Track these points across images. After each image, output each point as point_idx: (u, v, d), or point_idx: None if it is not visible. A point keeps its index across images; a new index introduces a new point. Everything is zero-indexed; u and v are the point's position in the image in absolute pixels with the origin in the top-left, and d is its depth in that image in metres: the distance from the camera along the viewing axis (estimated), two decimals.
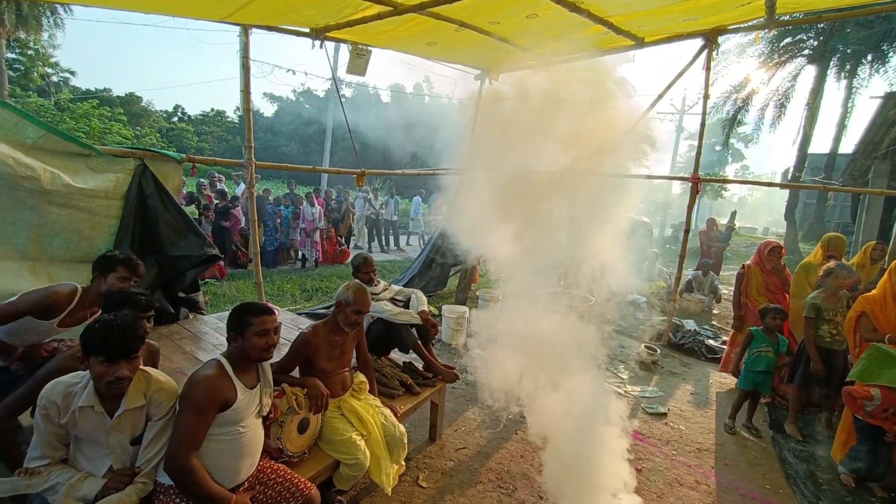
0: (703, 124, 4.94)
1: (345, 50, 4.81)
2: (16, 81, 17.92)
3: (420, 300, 3.31)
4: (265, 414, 1.95)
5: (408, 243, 13.12)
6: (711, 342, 5.60)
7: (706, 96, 4.90)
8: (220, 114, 32.26)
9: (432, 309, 4.60)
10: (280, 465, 2.02)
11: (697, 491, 2.92)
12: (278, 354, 2.24)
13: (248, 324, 1.81)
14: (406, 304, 3.33)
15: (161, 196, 3.67)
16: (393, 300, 3.31)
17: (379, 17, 3.59)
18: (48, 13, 14.75)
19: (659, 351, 5.08)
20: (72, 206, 3.24)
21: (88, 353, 1.52)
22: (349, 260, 9.54)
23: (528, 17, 3.82)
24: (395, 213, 11.83)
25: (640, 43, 4.62)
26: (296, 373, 2.39)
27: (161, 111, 29.47)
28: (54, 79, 21.24)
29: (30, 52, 18.69)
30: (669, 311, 5.67)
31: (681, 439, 3.54)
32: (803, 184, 12.21)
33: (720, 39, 4.68)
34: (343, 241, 10.05)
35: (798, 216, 16.16)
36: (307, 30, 4.20)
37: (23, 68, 18.76)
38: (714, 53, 4.71)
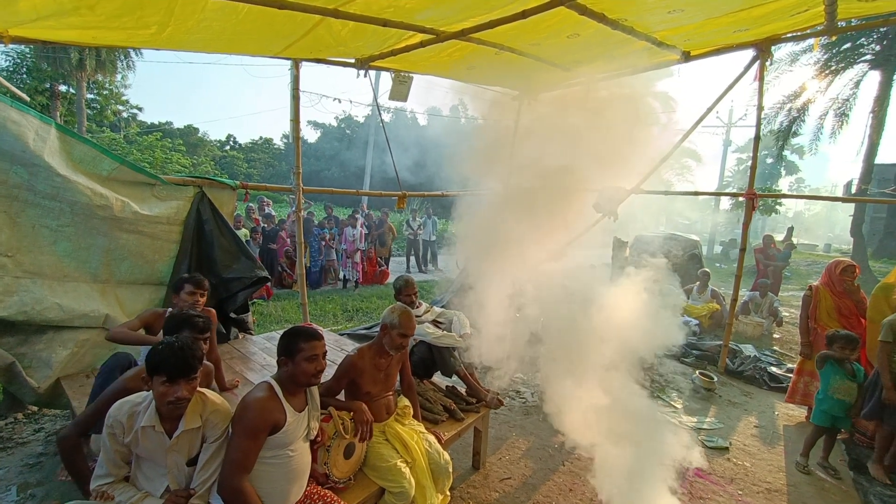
0: (757, 137, 4.69)
1: (386, 77, 5.00)
2: (92, 119, 19.82)
3: (463, 323, 3.27)
4: (312, 437, 1.96)
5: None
6: (775, 369, 5.18)
7: (759, 108, 4.66)
8: (268, 141, 34.23)
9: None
10: (326, 490, 2.01)
11: None
12: (324, 376, 2.27)
13: (299, 349, 1.84)
14: (448, 328, 3.30)
15: (217, 221, 3.88)
16: (435, 322, 3.29)
17: (422, 45, 3.70)
18: (122, 57, 16.33)
19: (716, 378, 4.74)
20: (138, 232, 3.48)
21: (152, 373, 1.60)
22: (389, 281, 9.66)
23: (569, 37, 3.81)
24: (434, 233, 11.92)
25: (686, 57, 4.49)
26: (341, 396, 2.41)
27: (215, 141, 31.67)
28: (124, 115, 23.38)
29: (105, 91, 20.70)
30: (726, 336, 5.30)
31: (747, 477, 3.24)
32: (872, 197, 11.25)
33: (773, 49, 4.47)
34: (383, 262, 10.22)
35: (866, 231, 14.90)
36: (353, 60, 4.39)
37: (98, 107, 20.77)
38: (767, 64, 4.50)
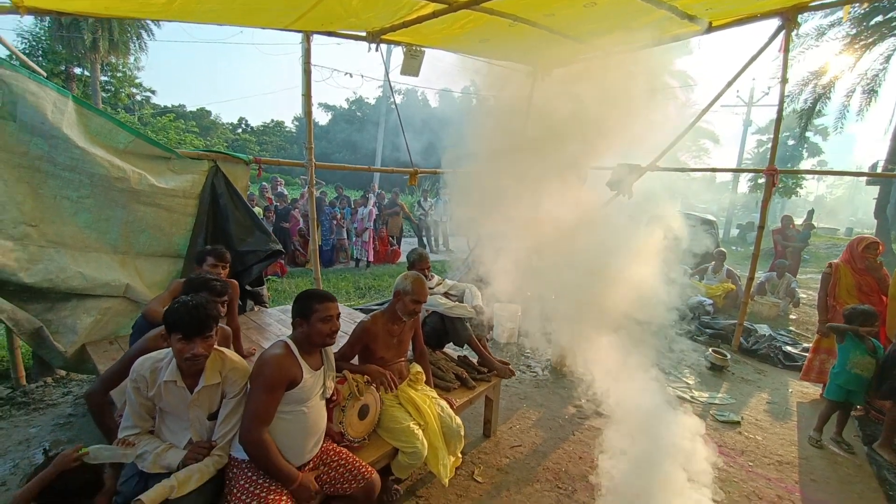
0: (780, 111, 4.54)
1: (397, 56, 4.94)
2: (107, 101, 20.01)
3: (475, 294, 3.29)
4: (329, 396, 2.01)
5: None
6: (790, 349, 5.12)
7: (784, 80, 4.50)
8: (279, 124, 34.26)
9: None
10: (342, 448, 2.07)
11: None
12: (337, 347, 2.31)
13: (313, 310, 1.87)
14: (460, 299, 3.32)
15: (231, 195, 3.92)
16: (447, 294, 3.31)
17: (434, 15, 3.63)
18: (134, 38, 16.39)
19: (729, 356, 4.71)
20: (155, 205, 3.54)
21: (169, 331, 1.65)
22: (400, 260, 9.72)
23: (585, 6, 3.70)
24: (445, 214, 11.90)
25: (708, 28, 4.33)
26: (355, 362, 2.45)
27: (227, 123, 31.79)
28: (138, 97, 23.54)
29: (119, 74, 20.83)
30: (740, 315, 5.24)
31: (758, 450, 3.24)
32: None
33: (800, 19, 4.29)
34: (394, 241, 10.26)
35: (890, 213, 14.43)
36: (363, 33, 4.34)
37: (112, 89, 20.93)
38: (793, 34, 4.33)
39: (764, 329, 5.61)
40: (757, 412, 3.83)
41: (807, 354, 4.51)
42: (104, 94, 19.36)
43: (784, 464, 3.10)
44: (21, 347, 3.56)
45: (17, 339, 3.45)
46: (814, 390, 4.28)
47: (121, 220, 3.41)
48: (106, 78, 20.00)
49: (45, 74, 3.23)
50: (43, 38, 16.87)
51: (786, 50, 4.34)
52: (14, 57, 3.82)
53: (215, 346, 1.79)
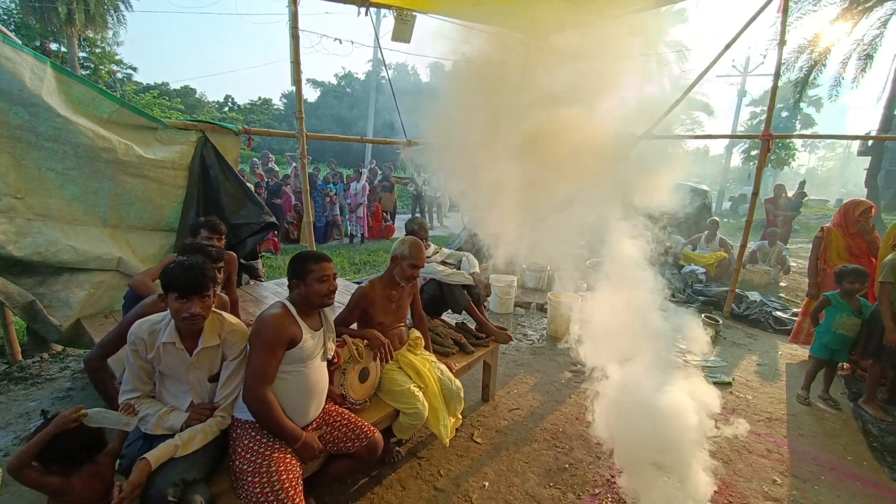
0: (776, 74, 4.48)
1: (387, 27, 4.76)
2: (86, 79, 19.34)
3: (472, 262, 3.29)
4: (329, 357, 2.02)
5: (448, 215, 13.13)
6: (780, 314, 5.22)
7: (782, 42, 4.43)
8: (267, 102, 33.38)
9: None
10: (345, 409, 2.09)
11: (769, 459, 2.75)
12: (335, 313, 2.30)
13: (309, 270, 1.86)
14: (457, 267, 3.32)
15: (222, 167, 3.84)
16: (444, 263, 3.31)
17: None
18: (112, 11, 15.70)
19: (721, 321, 4.79)
20: (143, 177, 3.46)
21: (166, 290, 1.63)
22: (395, 236, 9.67)
23: None
24: (439, 188, 11.80)
25: None
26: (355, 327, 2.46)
27: (214, 102, 30.92)
28: (119, 75, 22.70)
29: (97, 50, 20.03)
30: (732, 282, 5.31)
31: (748, 408, 3.34)
32: (891, 136, 10.83)
33: None
34: (388, 217, 10.19)
35: (880, 183, 14.56)
36: None
37: (92, 66, 20.16)
38: None
39: (755, 296, 5.71)
40: (748, 373, 3.92)
41: (796, 319, 4.61)
42: (83, 72, 18.65)
43: (773, 420, 3.20)
44: (14, 323, 3.52)
45: (10, 314, 3.41)
46: (802, 352, 4.38)
47: (109, 193, 3.33)
48: (84, 55, 19.24)
49: (18, 41, 3.09)
50: (14, 12, 16.11)
51: (784, 10, 4.27)
52: None
53: (214, 309, 1.78)
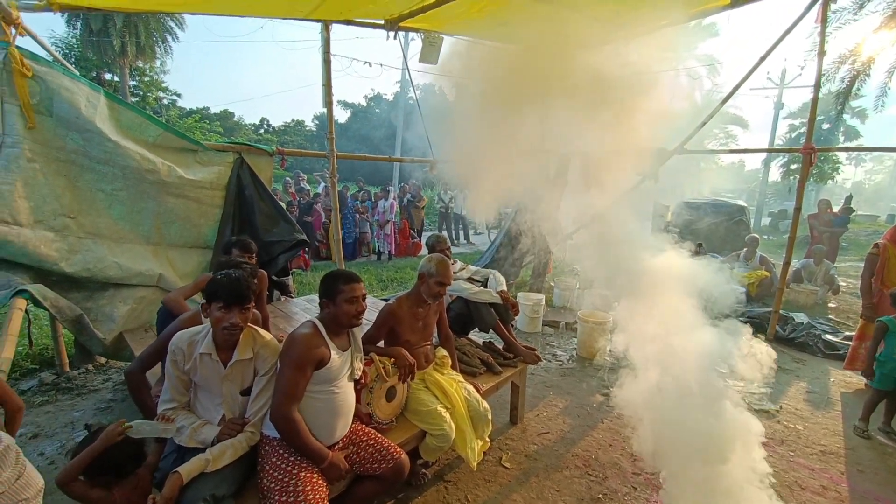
0: (817, 86, 4.30)
1: (415, 49, 4.91)
2: (136, 105, 20.71)
3: (498, 280, 3.25)
4: (357, 377, 2.01)
5: (481, 232, 13.15)
6: (830, 337, 4.88)
7: (821, 53, 4.26)
8: (300, 123, 34.76)
9: None
10: (371, 429, 2.07)
11: (825, 497, 2.53)
12: (362, 332, 2.31)
13: (339, 291, 1.87)
14: (484, 285, 3.28)
15: (256, 186, 3.98)
16: (471, 280, 3.28)
17: None
18: (160, 42, 16.85)
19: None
20: (184, 196, 3.62)
21: (210, 300, 1.69)
22: (422, 253, 9.73)
23: None
24: (464, 206, 11.84)
25: (735, 1, 4.14)
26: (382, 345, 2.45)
27: (250, 124, 32.46)
28: (165, 101, 24.23)
29: (146, 78, 21.50)
30: (776, 302, 5.03)
31: (799, 440, 3.11)
32: None
33: None
34: (416, 234, 10.28)
35: None
36: (382, 21, 4.32)
37: (141, 93, 21.62)
38: (831, 4, 4.10)
39: (801, 317, 5.38)
40: (796, 401, 3.67)
41: (850, 343, 4.30)
42: (133, 99, 19.99)
43: (828, 454, 2.96)
44: (63, 336, 3.71)
45: (60, 327, 3.60)
46: (858, 380, 4.07)
47: (152, 212, 3.50)
48: (134, 83, 20.67)
49: (76, 72, 3.34)
50: (75, 45, 17.52)
51: (823, 20, 4.12)
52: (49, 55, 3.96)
53: (249, 324, 1.82)
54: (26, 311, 2.66)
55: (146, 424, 1.62)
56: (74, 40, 17.34)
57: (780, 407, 3.54)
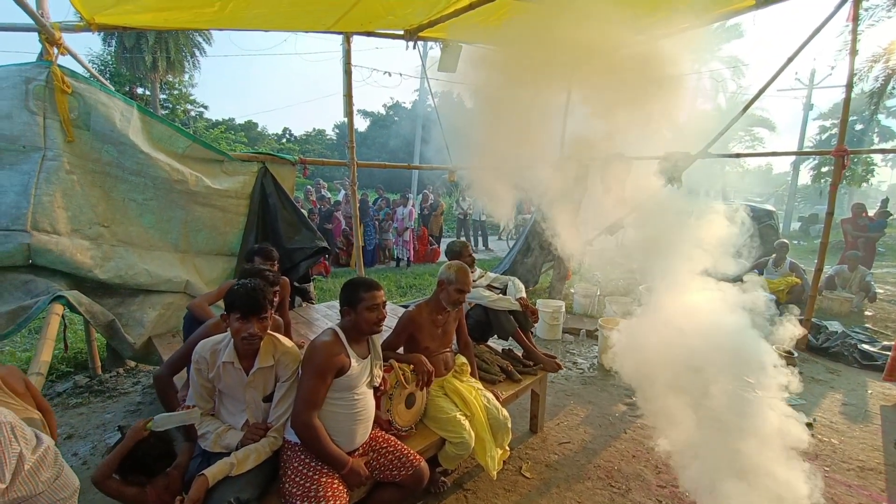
0: (849, 85, 4.15)
1: (433, 59, 4.97)
2: (165, 117, 21.51)
3: (518, 287, 3.23)
4: (376, 385, 2.03)
5: (503, 238, 13.14)
6: (867, 347, 4.66)
7: (853, 52, 4.12)
8: (321, 132, 35.49)
9: None
10: (391, 436, 2.08)
11: None
12: (382, 338, 2.32)
13: (360, 299, 1.89)
14: (503, 292, 3.27)
15: (279, 195, 4.08)
16: (490, 287, 3.27)
17: (471, 7, 3.62)
18: (189, 57, 17.53)
19: (796, 354, 4.35)
20: (211, 205, 3.74)
21: (228, 310, 1.73)
22: (441, 259, 9.75)
23: None
24: (483, 213, 11.83)
25: (761, 2, 4.04)
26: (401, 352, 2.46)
27: (273, 134, 33.33)
28: (192, 113, 25.14)
29: (175, 92, 22.37)
30: (808, 310, 4.83)
31: (835, 454, 2.97)
32: None
33: None
34: (434, 241, 10.32)
35: None
36: (401, 32, 4.39)
37: (170, 106, 22.50)
38: (863, 0, 3.97)
39: (835, 326, 5.15)
40: (831, 414, 3.51)
41: (888, 353, 4.09)
42: (163, 111, 20.83)
43: (867, 470, 2.81)
44: (97, 340, 3.86)
45: (94, 332, 3.75)
46: None
47: (181, 221, 3.62)
48: (164, 96, 21.51)
49: (111, 87, 3.50)
50: (110, 62, 18.38)
51: (855, 18, 3.99)
52: (87, 72, 4.17)
53: (269, 332, 1.86)
54: (62, 317, 2.78)
55: (170, 416, 1.68)
56: (109, 57, 18.18)
57: (815, 419, 3.39)
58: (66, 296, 2.80)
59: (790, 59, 4.52)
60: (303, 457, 1.78)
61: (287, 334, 2.90)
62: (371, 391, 2.01)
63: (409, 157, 21.24)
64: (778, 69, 4.61)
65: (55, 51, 2.95)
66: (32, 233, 2.79)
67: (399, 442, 2.06)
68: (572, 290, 6.28)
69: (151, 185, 3.41)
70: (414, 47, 4.54)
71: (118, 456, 1.55)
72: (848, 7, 3.94)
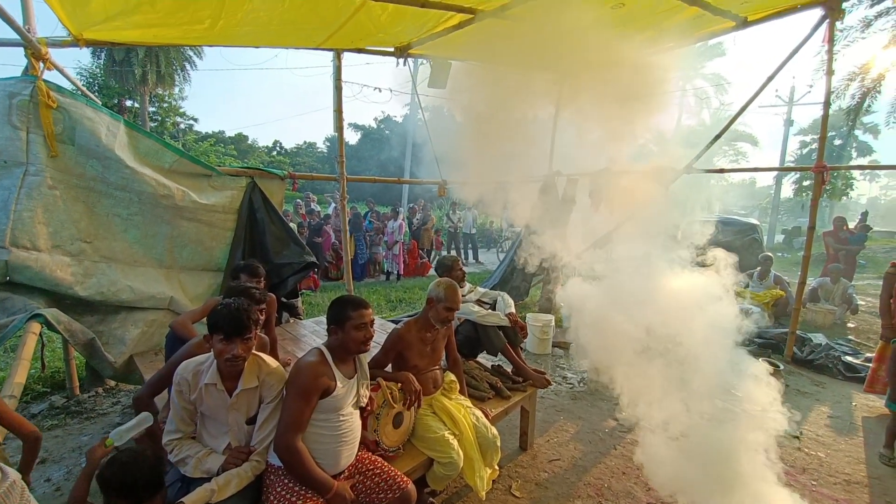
0: (826, 104, 4.29)
1: (423, 75, 5.03)
2: (154, 130, 21.35)
3: (507, 303, 3.23)
4: (363, 405, 2.00)
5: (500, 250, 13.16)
6: (850, 359, 4.73)
7: (829, 72, 4.27)
8: (311, 145, 35.51)
9: None
10: (377, 458, 2.04)
11: None
12: (370, 356, 2.30)
13: (348, 317, 1.87)
14: (492, 307, 3.27)
15: (268, 209, 4.05)
16: (479, 302, 3.27)
17: (460, 26, 3.68)
18: (179, 70, 17.52)
19: (782, 367, 4.39)
20: (197, 220, 3.70)
21: (212, 331, 1.69)
22: (431, 273, 9.74)
23: (613, 8, 3.66)
24: (473, 226, 11.88)
25: (742, 23, 4.18)
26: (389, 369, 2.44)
27: (263, 147, 33.24)
28: (182, 125, 25.02)
29: (164, 104, 22.28)
30: (792, 323, 4.90)
31: (821, 468, 2.99)
32: None
33: (844, 7, 4.08)
34: (424, 254, 10.31)
35: None
36: (391, 49, 4.45)
37: (159, 118, 22.39)
38: (837, 24, 4.12)
39: (819, 338, 5.23)
40: (817, 427, 3.54)
41: (870, 365, 4.16)
42: (152, 124, 20.70)
43: (853, 483, 2.83)
44: (75, 359, 3.75)
45: (73, 351, 3.65)
46: (881, 403, 3.92)
47: (166, 236, 3.57)
48: (153, 109, 21.41)
49: (98, 102, 3.47)
50: (98, 75, 18.28)
51: (830, 40, 4.14)
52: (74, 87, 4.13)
53: (253, 352, 1.82)
54: (40, 335, 2.70)
55: (124, 430, 1.64)
56: (98, 70, 18.09)
57: (801, 432, 3.42)
58: (44, 314, 2.73)
59: (770, 78, 4.66)
60: (286, 481, 1.74)
61: (273, 352, 2.85)
62: (357, 412, 1.97)
63: (399, 171, 21.30)
64: (759, 87, 4.76)
65: (41, 66, 2.92)
66: (11, 249, 2.73)
67: (386, 463, 2.02)
68: (561, 304, 6.29)
69: (137, 200, 3.36)
70: (404, 64, 4.59)
71: (84, 480, 1.50)
72: (823, 29, 4.09)
